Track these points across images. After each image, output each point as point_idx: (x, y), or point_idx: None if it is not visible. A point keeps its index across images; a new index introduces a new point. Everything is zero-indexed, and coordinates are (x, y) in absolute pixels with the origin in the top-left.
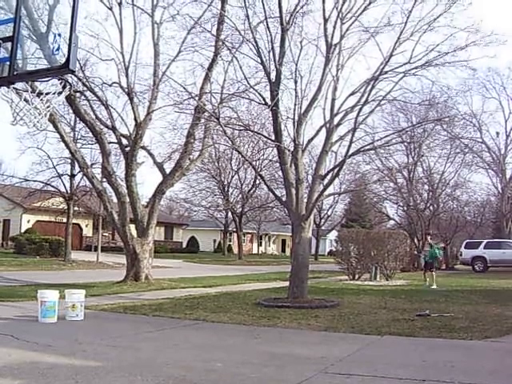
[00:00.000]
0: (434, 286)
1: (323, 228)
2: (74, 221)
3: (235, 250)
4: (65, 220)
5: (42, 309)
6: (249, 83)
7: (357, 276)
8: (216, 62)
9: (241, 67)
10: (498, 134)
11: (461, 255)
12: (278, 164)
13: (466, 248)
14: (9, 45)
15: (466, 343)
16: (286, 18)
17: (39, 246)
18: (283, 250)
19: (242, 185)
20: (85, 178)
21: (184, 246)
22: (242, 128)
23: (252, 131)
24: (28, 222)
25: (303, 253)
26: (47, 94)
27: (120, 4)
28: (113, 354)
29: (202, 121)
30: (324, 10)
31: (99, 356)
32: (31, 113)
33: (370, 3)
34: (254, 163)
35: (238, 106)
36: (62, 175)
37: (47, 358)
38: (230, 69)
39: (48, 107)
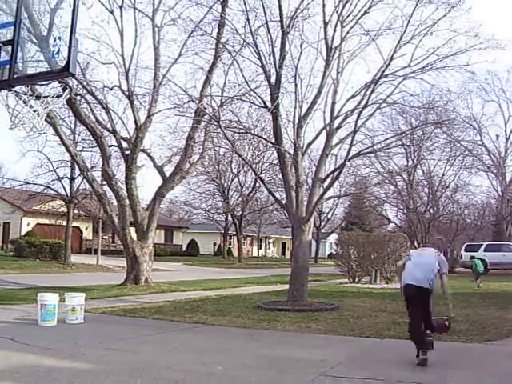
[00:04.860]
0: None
1: (323, 231)
2: (74, 224)
3: (235, 253)
4: (65, 223)
5: (42, 312)
6: (249, 86)
7: (357, 279)
8: (216, 65)
9: (241, 70)
10: (497, 136)
11: (461, 258)
12: (278, 167)
13: (465, 251)
14: (9, 48)
15: (466, 346)
16: (287, 22)
17: (39, 249)
18: (283, 253)
19: (242, 188)
20: (85, 181)
21: (184, 249)
22: (242, 131)
23: (252, 134)
24: (28, 224)
25: (303, 256)
26: (45, 97)
27: (121, 7)
28: (113, 358)
29: (203, 124)
30: (324, 13)
31: (99, 359)
32: (29, 116)
33: (370, 7)
34: (254, 166)
35: (238, 109)
36: (62, 178)
37: (47, 361)
38: (231, 72)
39: (46, 108)
